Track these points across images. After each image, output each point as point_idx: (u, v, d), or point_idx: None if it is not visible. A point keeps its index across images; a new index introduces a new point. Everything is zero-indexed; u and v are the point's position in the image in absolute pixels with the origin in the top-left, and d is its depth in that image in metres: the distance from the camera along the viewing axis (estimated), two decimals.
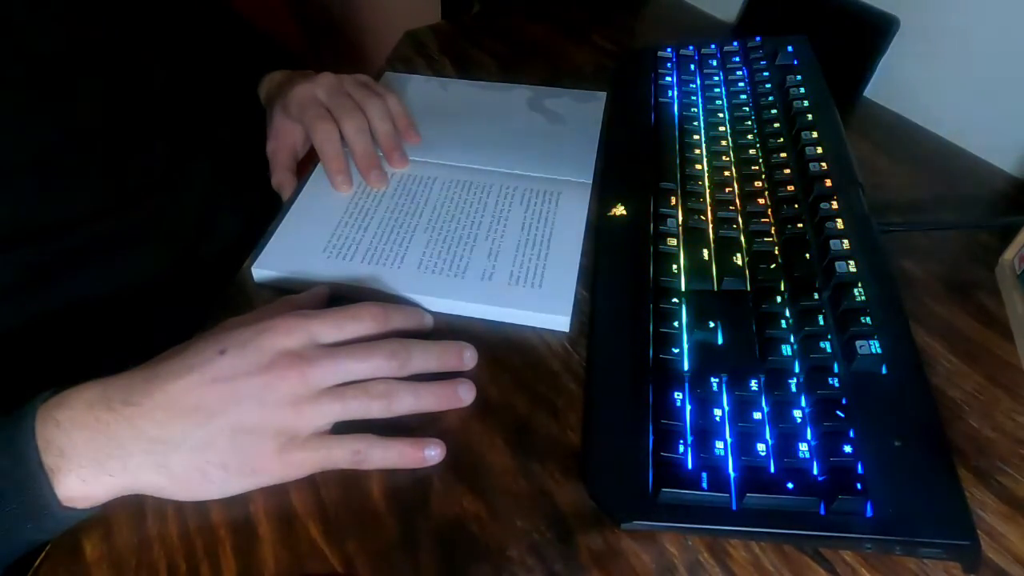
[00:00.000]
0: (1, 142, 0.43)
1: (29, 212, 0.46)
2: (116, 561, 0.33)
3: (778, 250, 0.44)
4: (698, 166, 0.51)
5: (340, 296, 0.44)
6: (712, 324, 0.40)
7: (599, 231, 0.49)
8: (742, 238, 0.45)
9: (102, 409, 0.33)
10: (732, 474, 0.34)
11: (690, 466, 0.34)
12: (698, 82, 0.60)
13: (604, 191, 0.52)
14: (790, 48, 0.61)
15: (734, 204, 0.47)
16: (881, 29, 0.61)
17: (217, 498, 0.35)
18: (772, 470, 0.34)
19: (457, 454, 0.37)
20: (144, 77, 0.51)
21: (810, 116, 0.53)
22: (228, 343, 0.35)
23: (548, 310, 0.43)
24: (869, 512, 0.32)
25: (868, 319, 0.39)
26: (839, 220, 0.44)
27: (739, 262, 0.43)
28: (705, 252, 0.44)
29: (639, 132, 0.56)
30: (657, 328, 0.40)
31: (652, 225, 0.46)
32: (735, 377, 0.37)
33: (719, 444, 0.34)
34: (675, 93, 0.59)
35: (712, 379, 0.37)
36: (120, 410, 0.33)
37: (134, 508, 0.35)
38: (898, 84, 0.62)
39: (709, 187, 0.49)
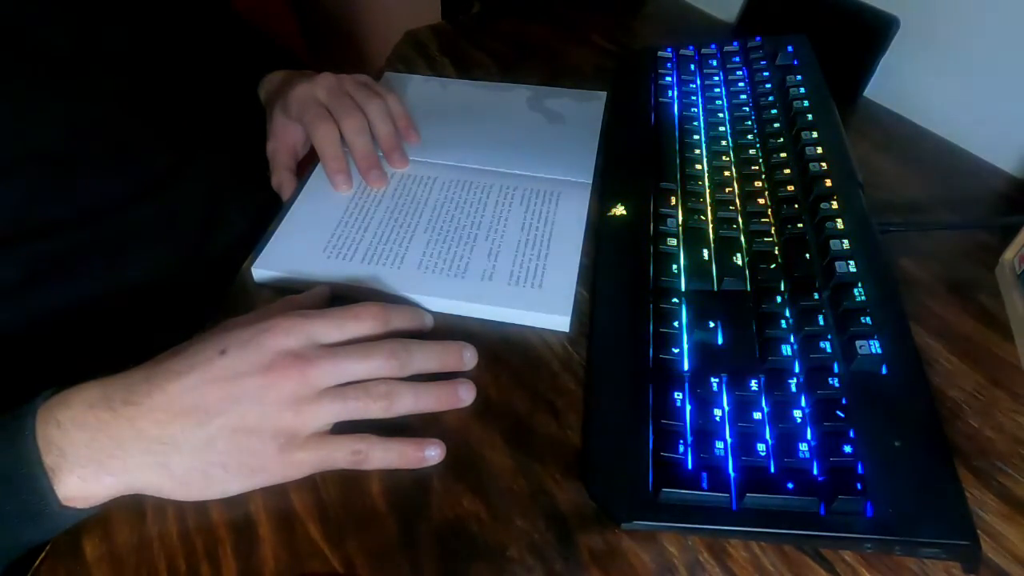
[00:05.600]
0: (7, 140, 0.43)
1: (33, 210, 0.46)
2: (116, 561, 0.33)
3: (778, 250, 0.44)
4: (698, 166, 0.51)
5: (340, 296, 0.44)
6: (712, 324, 0.40)
7: (599, 231, 0.49)
8: (742, 238, 0.45)
9: (102, 409, 0.33)
10: (732, 474, 0.34)
11: (690, 466, 0.34)
12: (698, 82, 0.60)
13: (604, 191, 0.52)
14: (790, 48, 0.61)
15: (734, 204, 0.47)
16: (881, 29, 0.61)
17: (217, 498, 0.35)
18: (772, 470, 0.34)
19: (457, 454, 0.37)
20: (147, 77, 0.51)
21: (810, 116, 0.53)
22: (228, 343, 0.35)
23: (548, 310, 0.43)
24: (869, 512, 0.32)
25: (868, 319, 0.39)
26: (839, 220, 0.44)
27: (739, 262, 0.43)
28: (705, 252, 0.44)
29: (639, 132, 0.56)
30: (657, 328, 0.40)
31: (652, 225, 0.46)
32: (735, 377, 0.37)
33: (719, 444, 0.34)
34: (675, 93, 0.59)
35: (712, 379, 0.37)
36: (120, 410, 0.33)
37: (134, 508, 0.35)
38: (898, 84, 0.62)
39: (709, 187, 0.49)
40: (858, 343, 0.37)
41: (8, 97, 0.43)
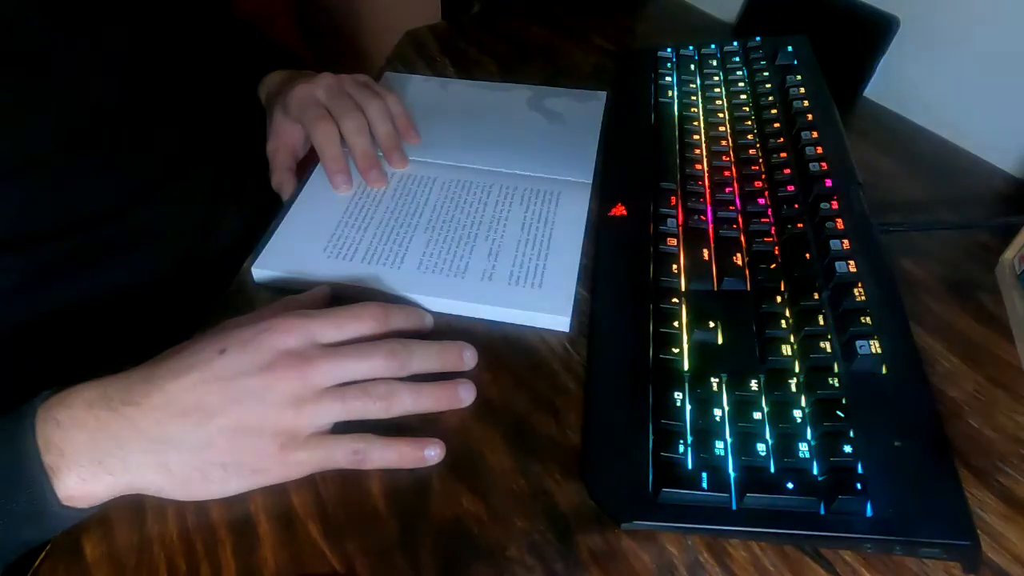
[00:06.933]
0: (6, 145, 0.43)
1: (33, 215, 0.46)
2: (116, 561, 0.33)
3: (778, 250, 0.44)
4: (698, 166, 0.51)
5: (340, 296, 0.44)
6: (712, 324, 0.40)
7: (599, 231, 0.49)
8: (742, 238, 0.45)
9: (102, 409, 0.33)
10: (732, 474, 0.34)
11: (690, 466, 0.34)
12: (698, 82, 0.60)
13: (604, 191, 0.52)
14: (790, 48, 0.61)
15: (734, 204, 0.47)
16: (881, 29, 0.61)
17: (217, 498, 0.35)
18: (772, 470, 0.34)
19: (457, 454, 0.37)
20: (147, 78, 0.51)
21: (810, 116, 0.53)
22: (228, 343, 0.35)
23: (548, 310, 0.43)
24: (869, 512, 0.32)
25: (868, 319, 0.39)
26: (839, 220, 0.44)
27: (739, 262, 0.43)
28: (705, 252, 0.44)
29: (639, 132, 0.56)
30: (657, 328, 0.40)
31: (652, 225, 0.46)
32: (735, 377, 0.37)
33: (719, 444, 0.34)
34: (675, 93, 0.59)
35: (712, 379, 0.37)
36: (120, 410, 0.33)
37: (134, 508, 0.35)
38: (898, 84, 0.62)
39: (709, 187, 0.49)
40: (858, 343, 0.37)
41: (6, 102, 0.43)
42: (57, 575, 0.33)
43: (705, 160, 0.52)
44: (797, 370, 0.38)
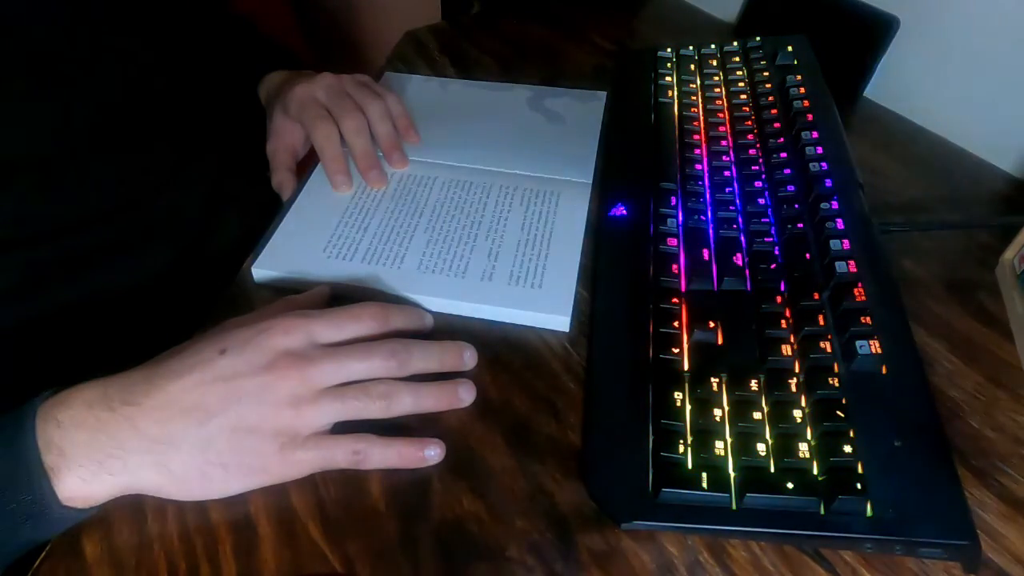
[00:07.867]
0: (5, 142, 0.43)
1: (33, 212, 0.46)
2: (116, 561, 0.33)
3: (778, 250, 0.44)
4: (698, 166, 0.51)
5: (340, 296, 0.44)
6: (712, 324, 0.40)
7: (599, 231, 0.49)
8: (742, 238, 0.45)
9: (102, 409, 0.33)
10: (732, 474, 0.34)
11: (690, 466, 0.34)
12: (698, 82, 0.60)
13: (604, 191, 0.52)
14: (790, 48, 0.61)
15: (734, 204, 0.47)
16: (881, 29, 0.61)
17: (217, 498, 0.35)
18: (772, 470, 0.34)
19: (457, 454, 0.37)
20: (146, 78, 0.51)
21: (810, 116, 0.53)
22: (228, 343, 0.35)
23: (548, 310, 0.43)
24: (869, 512, 0.32)
25: (868, 319, 0.39)
26: (839, 220, 0.44)
27: (739, 262, 0.43)
28: (705, 252, 0.44)
29: (639, 132, 0.56)
30: (657, 328, 0.40)
31: (652, 225, 0.47)
32: (735, 377, 0.37)
33: (719, 444, 0.34)
34: (675, 93, 0.59)
35: (712, 379, 0.37)
36: (120, 410, 0.33)
37: (134, 508, 0.35)
38: (898, 84, 0.62)
39: (709, 187, 0.49)
40: (858, 343, 0.37)
41: (7, 99, 0.43)
42: (57, 575, 0.33)
43: (705, 160, 0.52)
44: (797, 370, 0.38)
